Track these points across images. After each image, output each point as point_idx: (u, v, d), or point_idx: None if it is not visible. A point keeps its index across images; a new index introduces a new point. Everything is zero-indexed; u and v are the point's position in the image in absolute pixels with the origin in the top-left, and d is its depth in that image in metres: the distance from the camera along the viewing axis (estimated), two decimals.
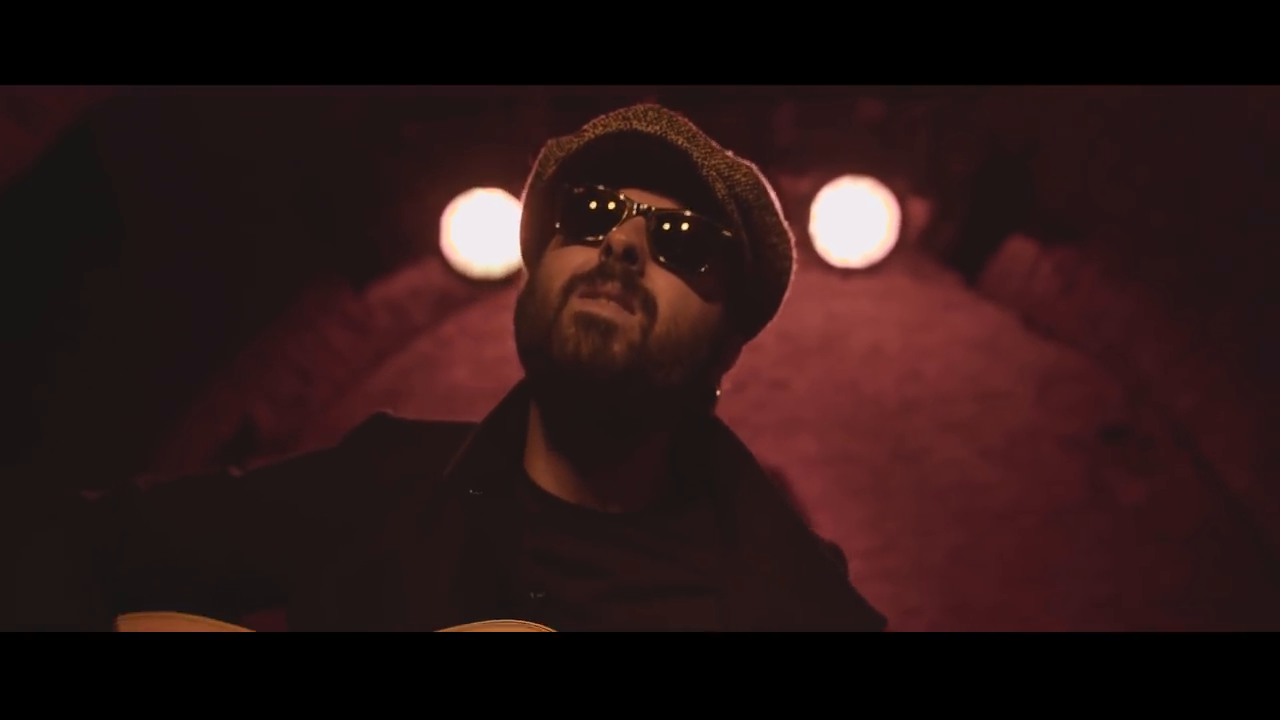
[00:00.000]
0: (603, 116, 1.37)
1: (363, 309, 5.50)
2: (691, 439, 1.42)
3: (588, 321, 1.27)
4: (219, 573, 1.37)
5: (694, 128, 1.37)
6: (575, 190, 1.34)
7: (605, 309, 1.27)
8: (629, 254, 1.29)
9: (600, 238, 1.31)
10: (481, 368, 5.95)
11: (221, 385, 5.26)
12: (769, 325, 1.48)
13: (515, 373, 5.44)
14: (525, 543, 1.32)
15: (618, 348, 1.27)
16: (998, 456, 5.71)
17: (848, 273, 4.53)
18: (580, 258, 1.31)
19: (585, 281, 1.29)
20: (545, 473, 1.37)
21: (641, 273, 1.30)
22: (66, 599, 1.28)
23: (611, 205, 1.33)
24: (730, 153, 1.39)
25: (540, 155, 1.43)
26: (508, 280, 4.72)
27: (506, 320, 5.33)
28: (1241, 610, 5.38)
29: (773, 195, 1.41)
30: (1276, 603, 5.34)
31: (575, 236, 1.33)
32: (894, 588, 5.55)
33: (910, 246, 4.85)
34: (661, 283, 1.31)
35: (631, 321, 1.28)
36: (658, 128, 1.32)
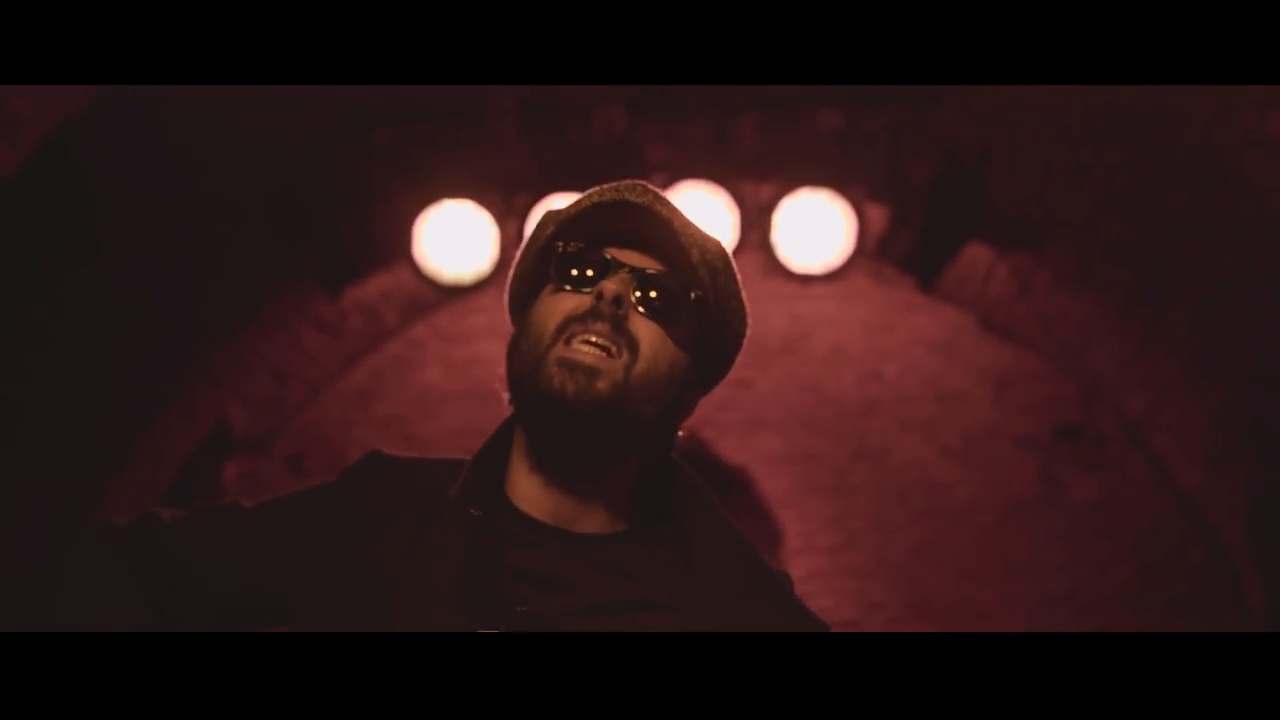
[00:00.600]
0: (596, 189, 1.53)
1: (335, 311, 5.57)
2: (655, 473, 1.56)
3: (571, 365, 1.43)
4: (230, 594, 1.55)
5: (674, 205, 1.54)
6: (570, 248, 1.50)
7: (587, 354, 1.44)
8: (618, 301, 1.45)
9: (591, 289, 1.47)
10: (452, 369, 6.03)
11: (197, 386, 5.32)
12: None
13: (485, 374, 5.55)
14: (507, 560, 1.45)
15: (601, 385, 1.43)
16: (956, 455, 5.80)
17: (808, 279, 4.63)
18: (572, 303, 1.47)
19: (578, 322, 1.45)
20: (525, 497, 1.50)
21: (626, 318, 1.46)
22: (113, 612, 1.49)
23: (602, 262, 1.49)
24: (703, 228, 1.57)
25: (539, 220, 1.58)
26: (477, 286, 4.82)
27: (476, 323, 5.47)
28: (1193, 604, 5.54)
29: (735, 267, 1.58)
30: (1227, 597, 5.50)
31: (568, 287, 1.49)
32: (857, 583, 5.66)
33: (869, 253, 4.96)
34: (643, 329, 1.47)
35: (615, 365, 1.44)
36: (645, 200, 1.49)
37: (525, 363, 1.47)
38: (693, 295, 1.50)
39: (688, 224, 1.54)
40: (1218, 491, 5.41)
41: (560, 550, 1.47)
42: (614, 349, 1.45)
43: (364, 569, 1.47)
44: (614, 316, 1.45)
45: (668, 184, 4.74)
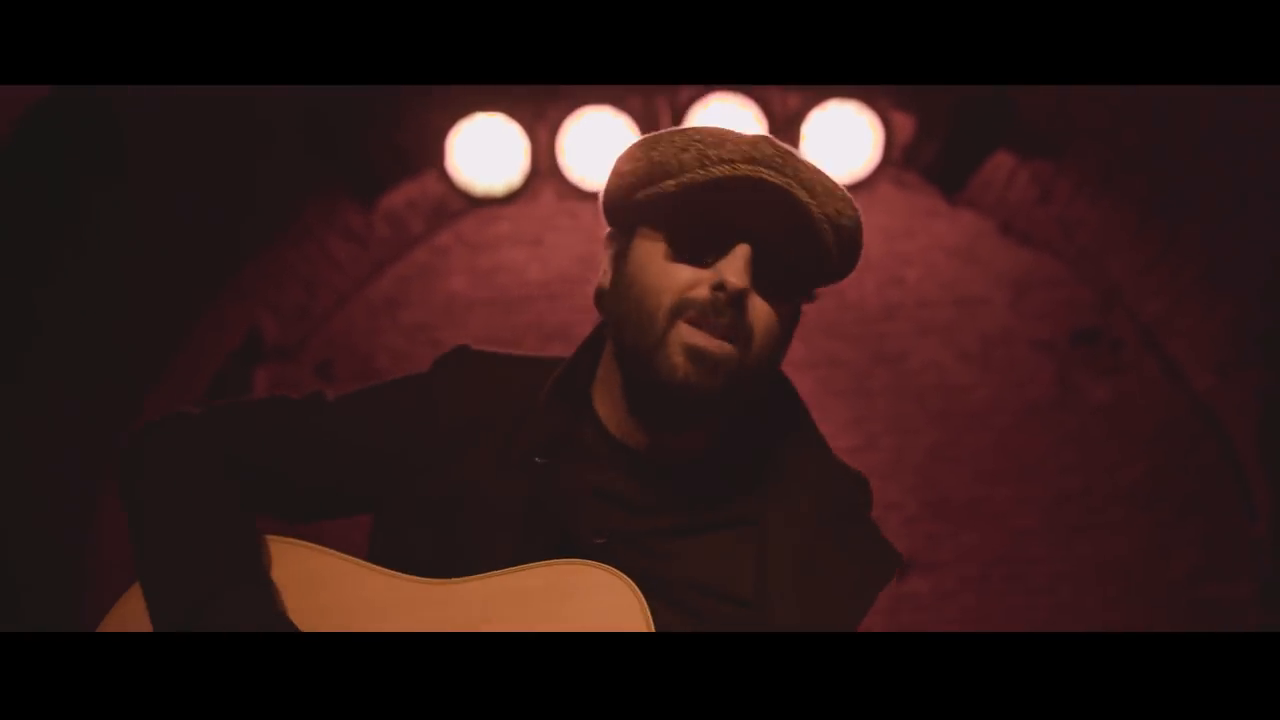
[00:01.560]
0: (729, 144, 1.42)
1: (362, 220, 5.63)
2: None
3: (697, 355, 1.41)
4: (312, 485, 1.57)
5: (813, 170, 1.45)
6: (693, 216, 1.43)
7: (712, 344, 1.41)
8: (740, 297, 1.41)
9: (709, 262, 1.43)
10: (478, 276, 6.10)
11: (228, 298, 5.41)
12: None
13: (510, 281, 5.73)
14: (590, 479, 1.49)
15: (719, 378, 1.42)
16: (974, 359, 5.88)
17: None
18: (686, 278, 1.43)
19: (696, 310, 1.41)
20: (612, 418, 1.52)
21: (746, 308, 1.42)
22: (214, 500, 1.49)
23: (725, 241, 1.43)
24: (842, 189, 1.48)
25: (664, 145, 1.46)
26: (509, 198, 4.89)
27: (501, 230, 5.55)
28: (1201, 503, 5.68)
29: (861, 225, 1.51)
30: (1234, 496, 5.64)
31: (684, 255, 1.44)
32: (876, 484, 5.71)
33: (895, 161, 5.00)
34: (760, 312, 1.44)
35: (733, 355, 1.42)
36: (783, 179, 1.39)
37: (639, 336, 1.43)
38: (818, 272, 1.47)
39: (828, 195, 1.45)
40: (1228, 395, 5.50)
41: (648, 474, 1.50)
42: (732, 337, 1.41)
43: (451, 475, 1.49)
44: (734, 311, 1.41)
45: (696, 97, 4.78)
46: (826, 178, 1.48)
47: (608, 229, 1.55)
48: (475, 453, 1.50)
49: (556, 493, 1.47)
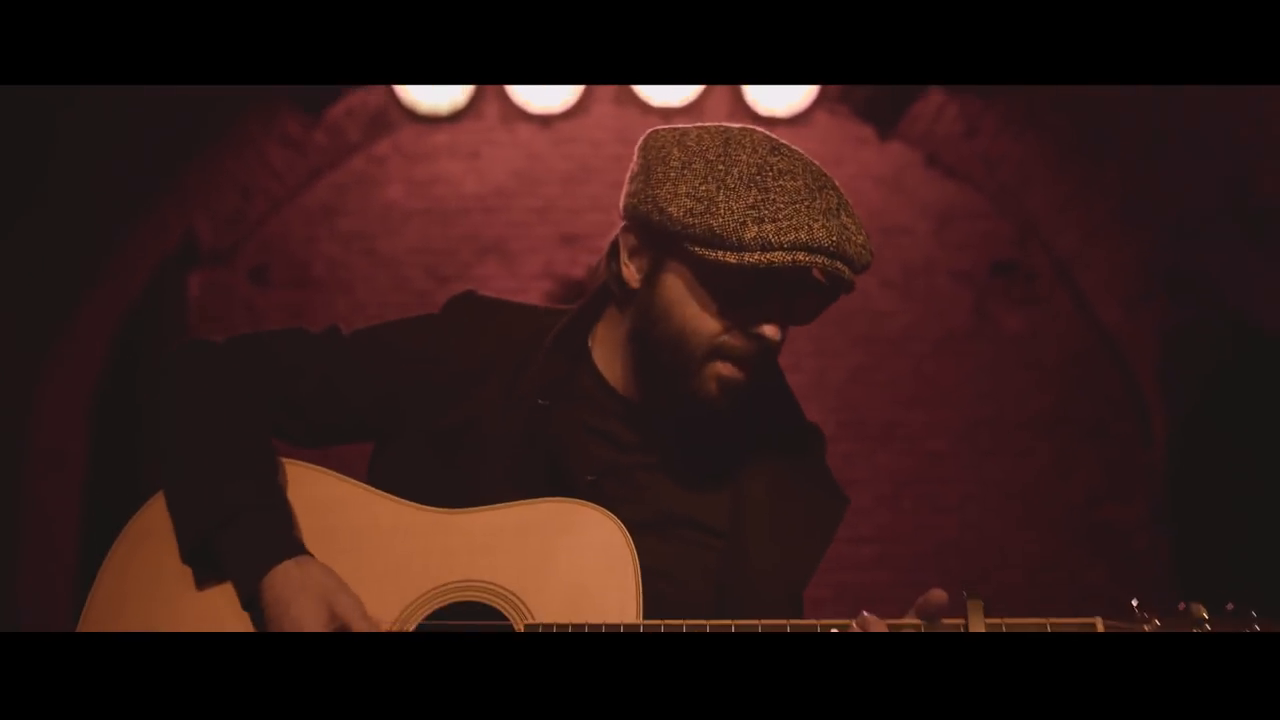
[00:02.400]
0: (787, 221, 1.46)
1: (300, 127, 5.63)
2: None
3: (729, 386, 1.53)
4: (324, 415, 1.67)
5: (855, 223, 1.52)
6: (741, 279, 1.49)
7: (742, 375, 1.54)
8: (777, 348, 1.55)
9: (754, 323, 1.52)
10: (414, 187, 6.14)
11: (166, 202, 5.40)
12: None
13: (446, 193, 5.85)
14: (584, 420, 1.62)
15: (735, 403, 1.56)
16: (896, 286, 6.06)
17: (773, 122, 4.80)
18: (720, 326, 1.52)
19: (733, 357, 1.52)
20: (614, 374, 1.65)
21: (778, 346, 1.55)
22: (239, 424, 1.60)
23: (768, 301, 1.52)
24: (865, 233, 1.54)
25: (723, 210, 1.48)
26: (453, 118, 4.94)
27: (438, 141, 5.63)
28: (1103, 429, 5.96)
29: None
30: (1134, 423, 5.93)
31: (728, 308, 1.52)
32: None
33: (831, 97, 5.11)
34: (779, 338, 1.55)
35: (752, 379, 1.56)
36: (834, 265, 1.48)
37: (675, 358, 1.53)
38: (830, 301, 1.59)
39: (859, 251, 1.52)
40: (1134, 329, 5.75)
41: (639, 419, 1.63)
42: (756, 373, 1.56)
43: (456, 411, 1.60)
44: (767, 356, 1.55)
45: None
46: (854, 214, 1.55)
47: (624, 223, 1.61)
48: (480, 391, 1.61)
49: (553, 432, 1.60)
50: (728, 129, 1.57)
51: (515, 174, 6.11)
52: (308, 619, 1.46)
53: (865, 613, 1.46)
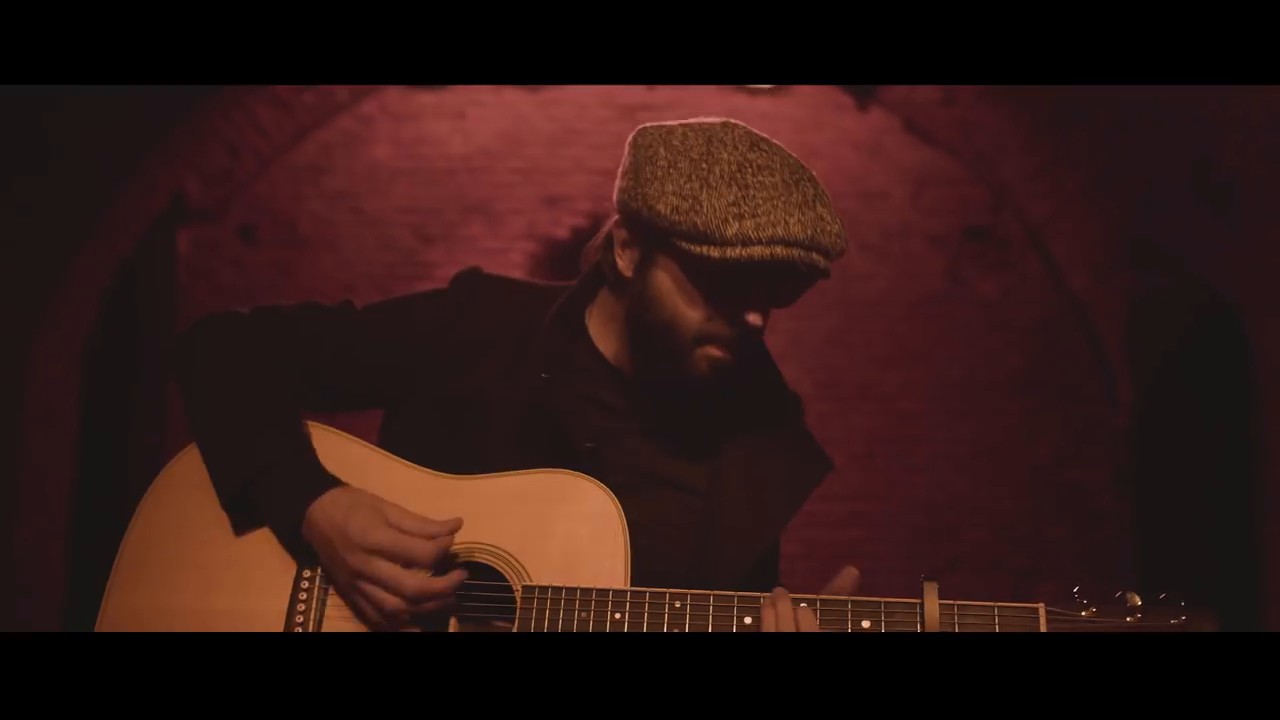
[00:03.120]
0: (766, 217, 1.55)
1: (289, 87, 5.70)
2: None
3: (717, 365, 1.64)
4: (340, 382, 1.79)
5: (831, 214, 1.59)
6: (724, 271, 1.58)
7: (728, 356, 1.64)
8: (760, 332, 1.63)
9: (738, 312, 1.61)
10: (400, 146, 6.24)
11: (156, 161, 5.48)
12: None
13: (432, 153, 5.97)
14: (582, 390, 1.74)
15: (720, 381, 1.66)
16: (873, 250, 6.20)
17: (757, 91, 4.88)
18: (705, 315, 1.62)
19: (720, 344, 1.63)
20: (608, 348, 1.76)
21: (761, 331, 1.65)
22: (268, 386, 1.72)
23: (751, 291, 1.62)
24: (840, 222, 1.62)
25: (706, 207, 1.57)
26: None
27: (425, 101, 5.75)
28: (1070, 392, 6.14)
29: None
30: (1100, 387, 6.11)
31: (714, 298, 1.61)
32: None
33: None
34: (762, 324, 1.64)
35: (737, 359, 1.66)
36: (811, 258, 1.57)
37: (667, 342, 1.64)
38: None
39: (835, 239, 1.60)
40: (1102, 296, 5.92)
41: (632, 389, 1.74)
42: (740, 355, 1.65)
43: (463, 382, 1.71)
44: (749, 341, 1.65)
45: None
46: (829, 204, 1.63)
47: (617, 216, 1.70)
48: (485, 363, 1.73)
49: (554, 403, 1.71)
50: (710, 126, 1.66)
51: (500, 135, 6.21)
52: (369, 527, 1.57)
53: (779, 588, 1.57)
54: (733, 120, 1.68)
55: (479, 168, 6.24)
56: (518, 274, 5.96)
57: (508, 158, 6.24)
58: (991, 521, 6.02)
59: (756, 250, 1.54)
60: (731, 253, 1.55)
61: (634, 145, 1.67)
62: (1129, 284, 5.67)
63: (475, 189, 6.23)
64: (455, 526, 1.59)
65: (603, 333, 1.76)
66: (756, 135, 1.66)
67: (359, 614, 1.60)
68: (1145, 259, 5.44)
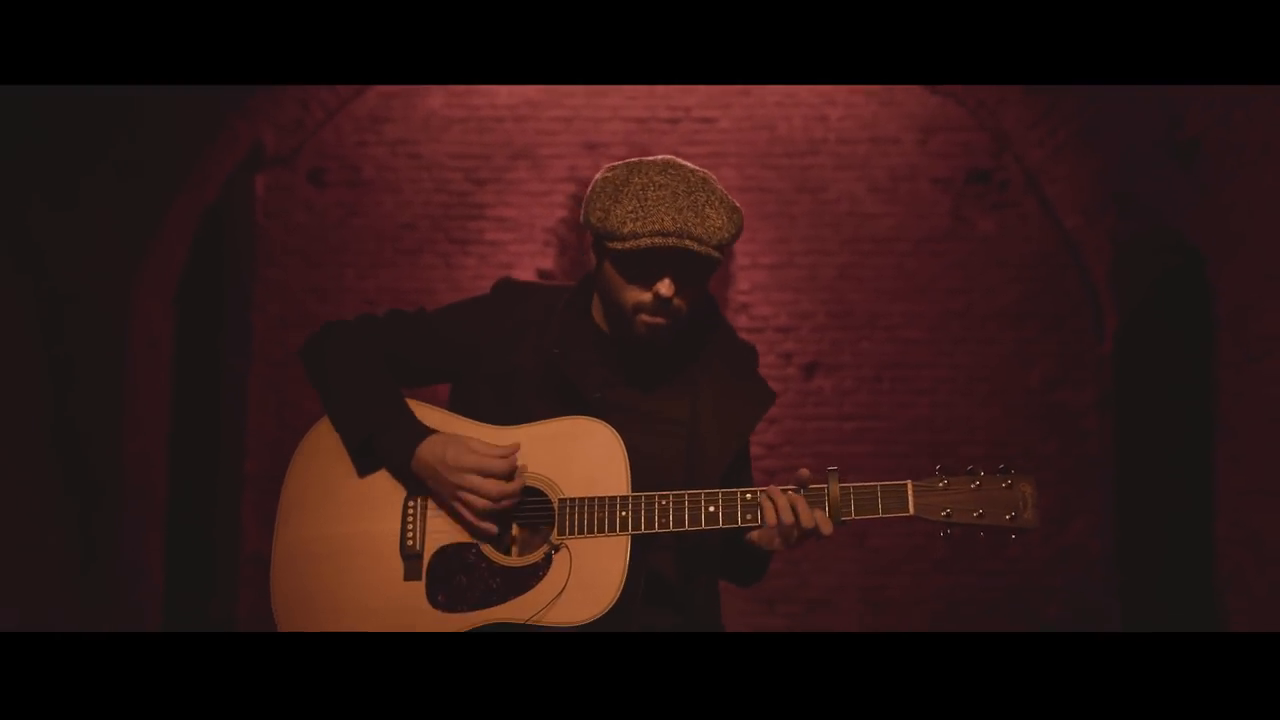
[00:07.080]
0: (653, 218, 2.11)
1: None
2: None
3: (651, 329, 2.21)
4: (421, 365, 2.41)
5: (715, 206, 2.14)
6: (636, 258, 2.14)
7: (657, 321, 2.19)
8: (669, 300, 2.17)
9: (651, 278, 2.16)
10: (454, 96, 6.83)
11: (237, 117, 6.12)
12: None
13: (482, 102, 6.83)
14: (590, 357, 2.34)
15: (664, 335, 2.22)
16: (883, 192, 6.75)
17: None
18: (635, 293, 2.18)
19: (648, 311, 2.18)
20: (606, 324, 2.35)
21: (673, 300, 2.18)
22: (378, 368, 2.35)
23: (656, 272, 2.16)
24: (727, 212, 2.15)
25: (615, 216, 2.13)
26: None
27: None
28: (1062, 322, 6.70)
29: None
30: (1088, 319, 6.66)
31: (633, 277, 2.17)
32: (792, 295, 6.73)
33: None
34: (682, 296, 2.18)
35: (669, 324, 2.20)
36: (685, 244, 2.10)
37: (616, 312, 2.21)
38: (712, 269, 2.19)
39: (718, 231, 2.12)
40: (1091, 235, 6.43)
41: (625, 354, 2.32)
42: (668, 315, 2.18)
43: (505, 360, 2.32)
44: (671, 306, 2.18)
45: None
46: (720, 208, 2.15)
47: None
48: (519, 346, 2.35)
49: (569, 367, 2.32)
50: (647, 162, 2.23)
51: (543, 86, 6.78)
52: (460, 454, 2.17)
53: (771, 486, 2.18)
54: (671, 157, 2.25)
55: (525, 116, 6.84)
56: (561, 214, 6.59)
57: (551, 107, 6.83)
58: (986, 439, 6.63)
59: (642, 240, 2.10)
60: (628, 245, 2.12)
61: (592, 182, 2.28)
62: (1114, 226, 6.17)
63: (521, 136, 6.83)
64: (515, 449, 2.22)
65: (600, 314, 2.37)
66: (677, 165, 2.23)
67: (458, 518, 2.17)
68: (1127, 206, 5.95)
